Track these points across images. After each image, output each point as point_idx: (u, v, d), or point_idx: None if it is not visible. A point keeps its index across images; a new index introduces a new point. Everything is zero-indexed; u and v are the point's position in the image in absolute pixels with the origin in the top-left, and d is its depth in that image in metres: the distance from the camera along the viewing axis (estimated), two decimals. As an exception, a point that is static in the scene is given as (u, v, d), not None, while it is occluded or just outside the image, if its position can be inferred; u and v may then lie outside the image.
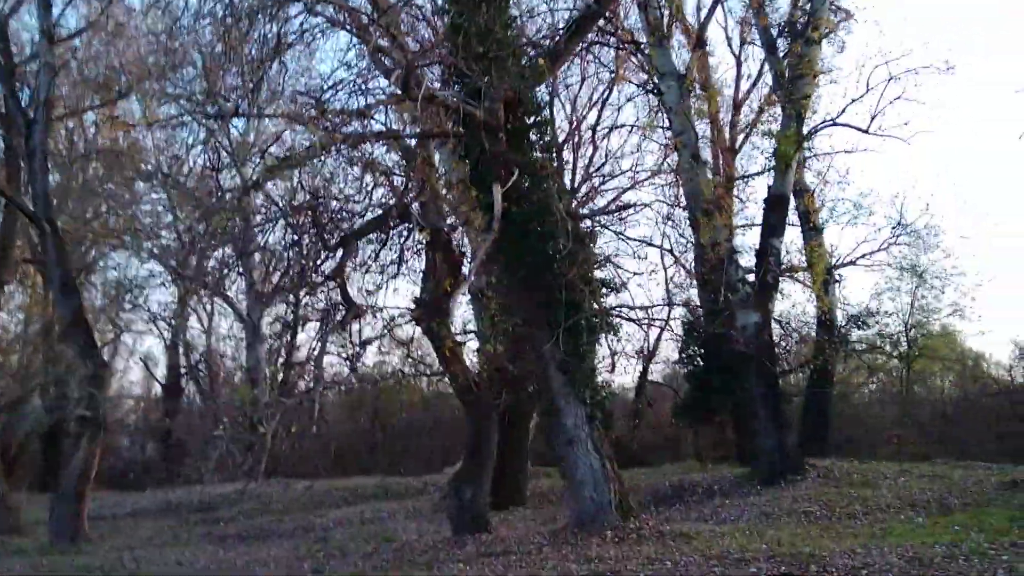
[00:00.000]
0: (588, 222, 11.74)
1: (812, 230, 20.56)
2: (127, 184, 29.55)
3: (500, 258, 11.54)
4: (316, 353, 10.97)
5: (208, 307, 36.90)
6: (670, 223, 22.32)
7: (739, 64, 23.95)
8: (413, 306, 12.81)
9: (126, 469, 33.06)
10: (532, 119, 11.46)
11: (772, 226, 16.42)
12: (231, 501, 22.76)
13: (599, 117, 22.35)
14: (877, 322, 21.51)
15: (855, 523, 11.41)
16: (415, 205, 10.58)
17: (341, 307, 11.03)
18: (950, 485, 13.38)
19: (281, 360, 35.84)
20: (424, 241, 12.75)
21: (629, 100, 22.19)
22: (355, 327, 11.61)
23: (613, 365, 12.35)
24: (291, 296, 11.57)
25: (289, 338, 37.48)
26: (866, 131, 18.53)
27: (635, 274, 18.53)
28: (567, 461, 11.77)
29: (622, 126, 21.94)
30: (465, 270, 12.56)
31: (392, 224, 11.17)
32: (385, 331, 13.48)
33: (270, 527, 17.13)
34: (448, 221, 11.76)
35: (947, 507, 11.86)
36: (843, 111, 16.69)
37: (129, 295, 32.69)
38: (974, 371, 28.00)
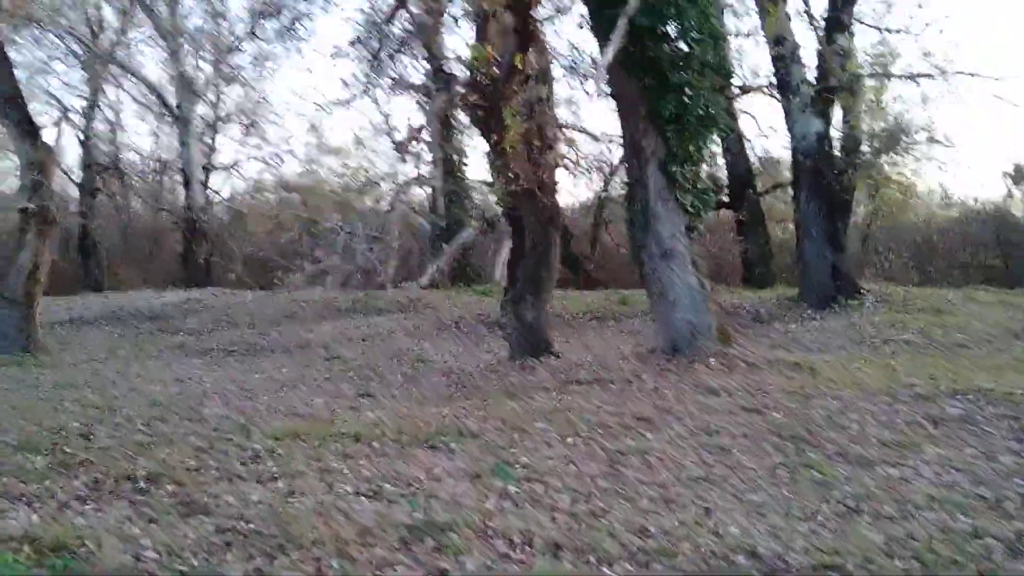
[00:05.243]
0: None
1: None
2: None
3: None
4: (430, 135, 8.60)
5: (119, 98, 32.88)
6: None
7: None
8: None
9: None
10: None
11: (838, 21, 14.43)
12: (182, 311, 20.61)
13: None
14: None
15: (976, 353, 10.31)
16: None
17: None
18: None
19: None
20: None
21: None
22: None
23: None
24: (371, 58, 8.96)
25: (211, 139, 34.37)
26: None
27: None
28: (658, 277, 10.11)
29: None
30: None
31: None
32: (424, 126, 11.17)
33: (255, 341, 15.16)
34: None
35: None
36: None
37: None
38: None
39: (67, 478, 5.63)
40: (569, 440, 6.89)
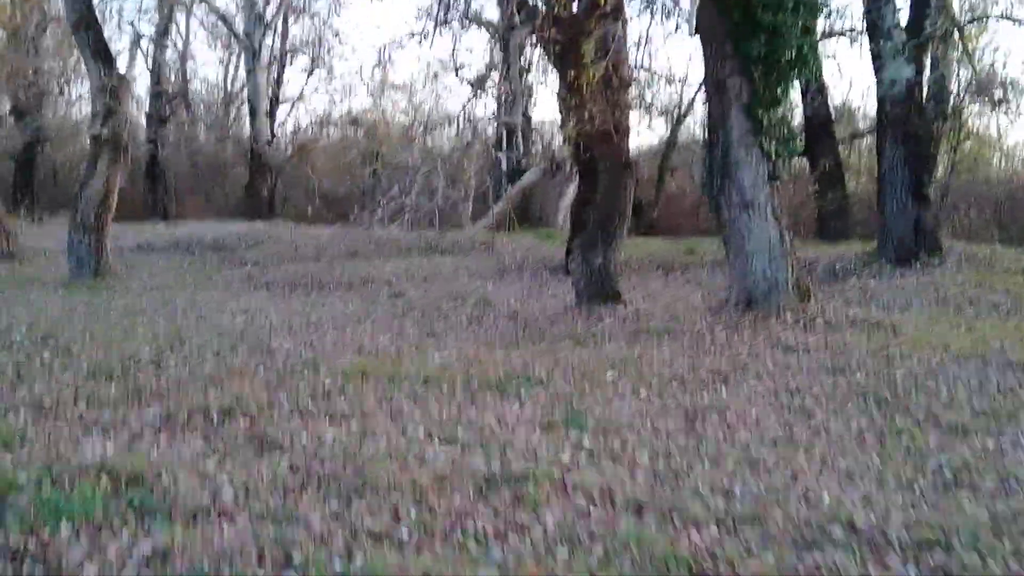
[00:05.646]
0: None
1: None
2: None
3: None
4: (506, 71, 8.33)
5: (189, 26, 32.86)
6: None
7: None
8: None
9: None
10: None
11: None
12: (246, 242, 20.80)
13: None
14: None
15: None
16: None
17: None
18: None
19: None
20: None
21: None
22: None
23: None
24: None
25: (277, 71, 34.39)
26: None
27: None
28: (737, 227, 9.77)
29: None
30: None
31: None
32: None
33: (319, 276, 15.15)
34: None
35: None
36: None
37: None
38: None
39: (139, 407, 5.61)
40: (642, 393, 6.71)
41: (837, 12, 16.21)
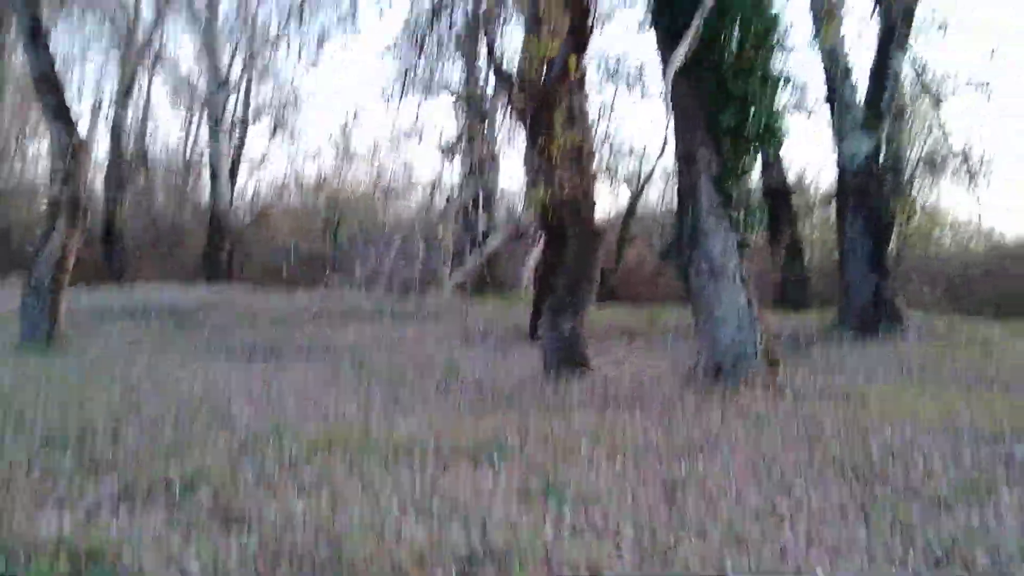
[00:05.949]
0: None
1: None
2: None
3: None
4: (476, 137, 8.30)
5: (150, 90, 32.73)
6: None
7: None
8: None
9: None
10: None
11: (896, 37, 14.04)
12: (204, 306, 20.45)
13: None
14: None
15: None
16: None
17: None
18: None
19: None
20: None
21: None
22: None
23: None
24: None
25: (240, 133, 34.35)
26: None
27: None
28: (706, 295, 9.78)
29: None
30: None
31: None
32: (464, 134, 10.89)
33: (280, 342, 14.88)
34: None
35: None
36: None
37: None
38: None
39: (96, 479, 5.33)
40: (618, 463, 6.55)
41: (803, 87, 16.66)
